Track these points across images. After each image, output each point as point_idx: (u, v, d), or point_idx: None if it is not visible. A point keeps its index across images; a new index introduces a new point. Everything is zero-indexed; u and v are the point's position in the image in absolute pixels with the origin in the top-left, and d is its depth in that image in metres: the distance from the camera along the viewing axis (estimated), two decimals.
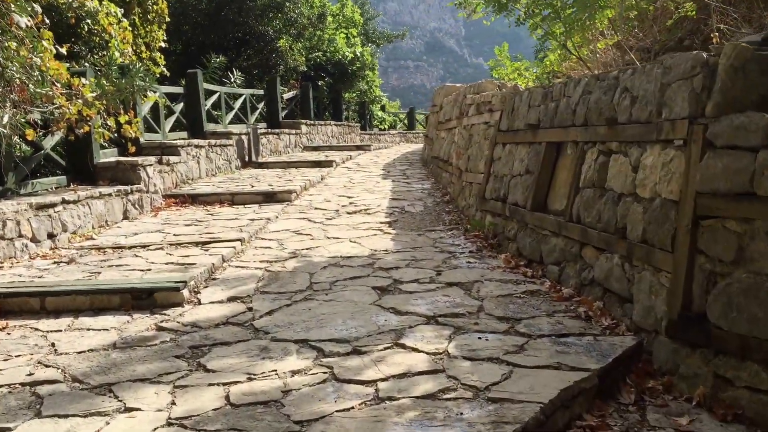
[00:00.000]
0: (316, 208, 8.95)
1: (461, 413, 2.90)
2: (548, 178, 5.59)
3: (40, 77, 6.08)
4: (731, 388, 3.11)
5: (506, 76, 11.70)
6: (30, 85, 5.95)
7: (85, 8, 8.80)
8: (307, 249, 6.42)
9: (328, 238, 6.97)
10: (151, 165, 9.10)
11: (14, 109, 6.02)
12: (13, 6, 5.50)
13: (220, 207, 9.16)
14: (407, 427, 2.79)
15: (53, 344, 4.02)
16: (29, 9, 5.75)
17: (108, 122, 7.17)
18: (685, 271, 3.42)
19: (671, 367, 3.46)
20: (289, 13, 20.96)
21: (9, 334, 4.24)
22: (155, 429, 2.88)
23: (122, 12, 9.06)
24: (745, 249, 3.09)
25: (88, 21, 9.59)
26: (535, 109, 5.99)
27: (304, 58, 21.61)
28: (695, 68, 3.56)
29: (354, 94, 27.02)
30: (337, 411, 2.96)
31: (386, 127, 31.00)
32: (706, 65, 3.51)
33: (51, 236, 6.59)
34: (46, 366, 3.66)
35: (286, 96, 19.45)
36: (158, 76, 10.23)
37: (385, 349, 3.73)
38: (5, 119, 5.84)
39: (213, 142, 12.38)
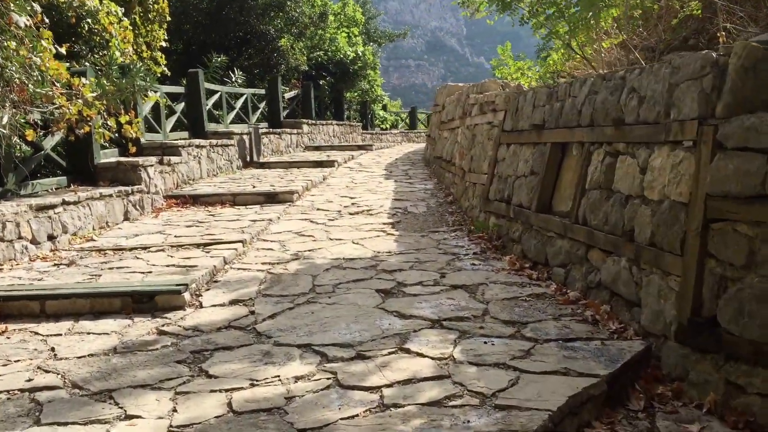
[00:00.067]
0: (318, 209, 8.89)
1: (468, 421, 2.84)
2: (553, 179, 5.53)
3: (39, 77, 6.03)
4: (743, 394, 3.05)
5: (509, 75, 11.64)
6: (30, 85, 5.90)
7: (86, 7, 8.76)
8: (309, 251, 6.37)
9: (331, 239, 6.91)
10: (152, 165, 9.05)
11: (14, 110, 5.97)
12: (12, 5, 5.45)
13: (222, 208, 9.11)
14: None
15: (53, 349, 3.96)
16: (28, 8, 5.69)
17: (108, 122, 7.12)
18: (695, 275, 3.36)
19: (681, 372, 3.40)
20: (290, 12, 20.91)
21: (8, 338, 4.19)
22: None
23: (123, 11, 9.02)
24: (757, 253, 3.03)
25: (89, 20, 9.55)
26: (540, 109, 5.93)
27: (305, 58, 21.55)
28: (705, 68, 3.50)
29: (356, 94, 26.97)
30: (341, 419, 2.90)
31: (388, 126, 30.95)
32: (715, 65, 3.44)
33: (51, 238, 6.53)
34: (46, 371, 3.60)
35: (287, 95, 19.38)
36: (159, 75, 10.22)
37: (390, 354, 3.67)
38: (5, 119, 5.79)
39: (214, 142, 12.32)
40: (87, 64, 9.32)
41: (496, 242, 6.39)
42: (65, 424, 2.97)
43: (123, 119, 7.24)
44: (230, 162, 13.00)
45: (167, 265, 5.70)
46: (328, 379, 3.35)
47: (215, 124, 13.80)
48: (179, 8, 18.28)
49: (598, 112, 4.70)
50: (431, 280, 5.21)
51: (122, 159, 8.71)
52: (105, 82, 6.86)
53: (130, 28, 9.89)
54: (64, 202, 6.83)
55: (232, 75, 17.78)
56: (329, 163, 13.93)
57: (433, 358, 3.57)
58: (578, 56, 8.38)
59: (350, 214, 8.48)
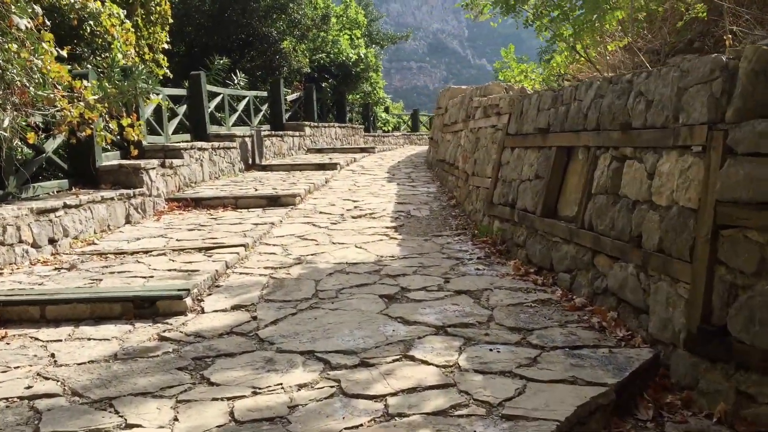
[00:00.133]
0: (320, 212, 8.84)
1: (475, 431, 2.79)
2: (558, 183, 5.48)
3: (41, 79, 5.99)
4: (753, 404, 2.99)
5: (512, 78, 11.58)
6: (31, 88, 5.86)
7: (88, 10, 8.73)
8: (312, 255, 6.32)
9: (334, 243, 6.86)
10: (153, 168, 9.01)
11: (15, 112, 5.93)
12: (13, 7, 5.41)
13: (224, 211, 9.06)
14: None
15: (53, 355, 3.91)
16: (29, 10, 5.66)
17: (110, 125, 7.09)
18: (704, 283, 3.30)
19: (690, 381, 3.34)
20: (292, 15, 20.89)
21: (8, 344, 4.14)
22: None
23: (125, 13, 9.00)
24: None
25: (91, 22, 9.52)
26: (545, 112, 5.88)
27: (307, 60, 21.53)
28: (714, 72, 3.45)
29: (358, 96, 26.94)
30: (345, 429, 2.85)
31: (390, 128, 30.92)
32: (725, 69, 3.39)
33: (52, 241, 6.49)
34: (46, 378, 3.55)
35: (289, 98, 19.35)
36: (161, 78, 10.18)
37: (394, 361, 3.62)
38: (6, 122, 5.75)
39: (216, 144, 12.29)
40: (89, 66, 9.28)
41: (501, 247, 6.34)
42: None
43: (125, 122, 7.20)
44: (232, 165, 12.96)
45: (169, 270, 5.65)
46: (331, 387, 3.30)
47: (217, 126, 13.77)
48: (181, 10, 18.27)
49: (605, 115, 4.65)
50: (435, 285, 5.16)
51: (124, 162, 8.68)
52: (107, 84, 6.82)
53: (132, 30, 9.86)
54: (66, 206, 6.79)
55: (235, 77, 17.75)
56: (331, 166, 13.89)
57: (438, 366, 3.52)
58: (582, 59, 8.33)
59: (353, 217, 8.43)
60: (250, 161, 13.98)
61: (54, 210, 6.59)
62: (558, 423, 2.83)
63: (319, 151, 18.21)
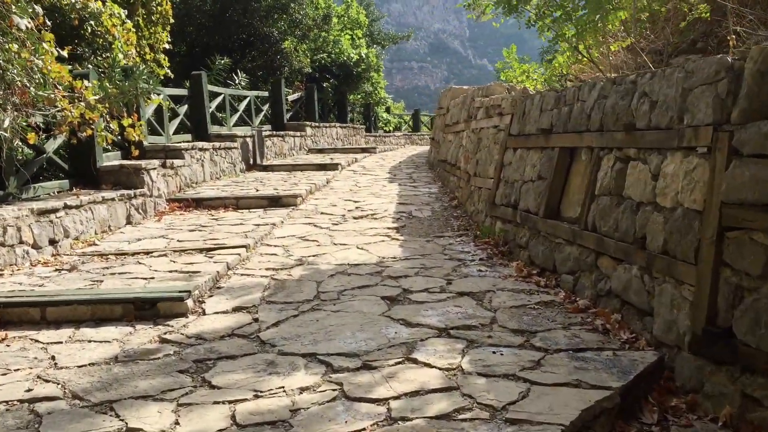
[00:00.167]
0: (322, 213, 8.82)
1: None
2: (561, 184, 5.45)
3: (41, 80, 5.97)
4: (759, 408, 2.96)
5: (514, 78, 11.55)
6: (31, 88, 5.84)
7: (89, 9, 8.72)
8: (313, 256, 6.29)
9: (335, 244, 6.84)
10: (154, 168, 8.99)
11: (15, 113, 5.91)
12: (13, 7, 5.38)
13: (225, 211, 9.04)
14: None
15: (53, 357, 3.89)
16: (30, 10, 5.63)
17: (111, 125, 7.06)
18: (709, 285, 3.27)
19: (695, 384, 3.32)
20: (294, 15, 20.87)
21: (8, 346, 4.12)
22: None
23: (126, 13, 8.98)
24: None
25: (92, 22, 9.50)
26: (548, 113, 5.85)
27: (308, 60, 21.51)
28: (719, 73, 3.42)
29: (359, 96, 26.91)
30: None
31: (391, 129, 30.88)
32: (731, 69, 3.36)
33: (53, 242, 6.47)
34: (46, 381, 3.53)
35: (290, 98, 19.33)
36: (162, 78, 10.15)
37: (397, 363, 3.59)
38: (6, 123, 5.73)
39: (217, 144, 12.26)
40: (89, 66, 9.26)
41: (503, 248, 6.31)
42: None
43: (126, 122, 7.18)
44: (233, 165, 12.94)
45: (170, 271, 5.63)
46: (333, 390, 3.28)
47: (218, 126, 13.74)
48: (182, 10, 18.25)
49: (608, 116, 4.62)
50: (437, 286, 5.13)
51: (125, 162, 8.66)
52: (108, 84, 6.80)
53: (133, 30, 9.85)
54: (66, 206, 6.76)
55: (236, 77, 17.73)
56: (333, 166, 13.86)
57: (440, 369, 3.49)
58: (584, 59, 8.30)
59: (354, 218, 8.41)
60: (251, 161, 13.96)
61: (55, 211, 6.56)
62: (563, 427, 2.80)
63: (321, 151, 18.18)
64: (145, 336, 4.22)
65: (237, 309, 4.71)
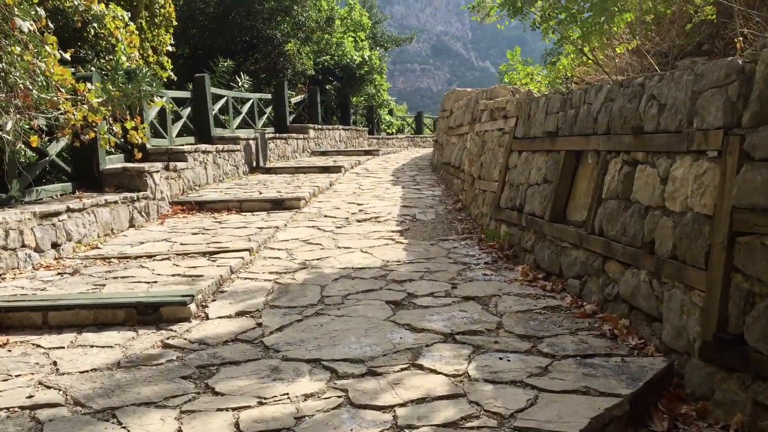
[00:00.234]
0: (325, 216, 8.78)
1: None
2: (567, 187, 5.40)
3: (44, 82, 5.94)
4: None
5: (518, 80, 11.51)
6: (34, 91, 5.80)
7: (92, 12, 8.69)
8: (317, 259, 6.25)
9: (339, 247, 6.80)
10: (157, 171, 8.96)
11: (18, 115, 5.88)
12: (16, 10, 5.35)
13: (228, 214, 9.00)
14: None
15: (55, 363, 3.85)
16: (32, 13, 5.60)
17: (114, 128, 7.03)
18: (720, 291, 3.23)
19: (705, 391, 3.27)
20: (297, 17, 20.84)
21: (10, 351, 4.08)
22: None
23: (129, 16, 8.94)
24: None
25: (95, 25, 9.48)
26: (553, 116, 5.80)
27: (311, 62, 21.48)
28: (730, 75, 3.37)
29: (362, 98, 26.87)
30: None
31: (394, 131, 30.84)
32: (741, 72, 3.32)
33: (55, 246, 6.43)
34: (47, 387, 3.49)
35: (293, 100, 19.31)
36: (165, 80, 10.10)
37: (402, 370, 3.55)
38: (9, 125, 5.70)
39: (220, 147, 12.23)
40: (92, 69, 9.25)
41: (508, 252, 6.26)
42: None
43: (129, 125, 7.14)
44: (236, 167, 12.91)
45: (173, 275, 5.59)
46: (338, 397, 3.23)
47: (221, 129, 13.72)
48: (186, 13, 18.24)
49: (615, 119, 4.58)
50: (442, 291, 5.08)
51: (128, 165, 8.62)
52: (111, 87, 6.76)
53: (137, 32, 9.80)
54: (69, 209, 6.73)
55: (239, 80, 17.70)
56: (336, 169, 13.83)
57: (447, 375, 3.45)
58: (589, 61, 8.25)
59: (358, 221, 8.37)
60: (254, 164, 13.93)
61: (57, 214, 6.53)
62: None
63: (323, 153, 18.15)
64: (147, 341, 4.18)
65: (240, 313, 4.67)
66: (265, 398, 3.24)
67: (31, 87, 5.77)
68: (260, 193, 10.26)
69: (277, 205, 9.41)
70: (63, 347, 4.11)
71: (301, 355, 3.82)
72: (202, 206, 9.35)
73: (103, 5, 8.50)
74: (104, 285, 5.33)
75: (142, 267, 5.96)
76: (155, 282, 5.37)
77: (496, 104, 7.92)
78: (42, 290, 5.21)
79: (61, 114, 6.15)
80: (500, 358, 3.66)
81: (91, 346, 4.11)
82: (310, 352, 3.86)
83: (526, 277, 5.40)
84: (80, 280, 5.56)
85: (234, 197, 9.77)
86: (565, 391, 3.20)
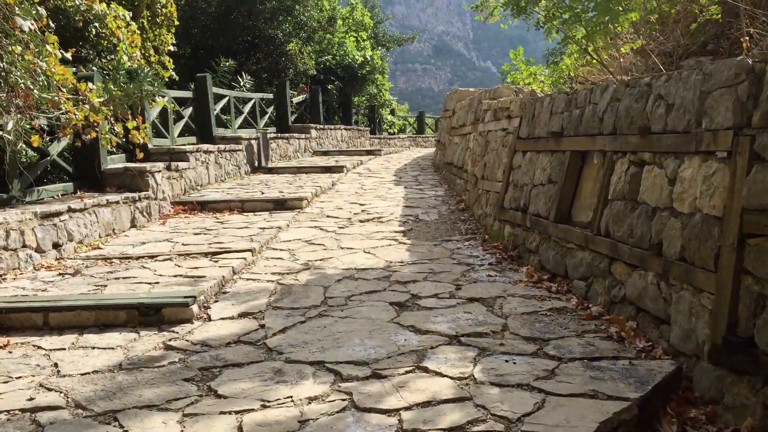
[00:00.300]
0: (327, 216, 8.74)
1: None
2: (573, 188, 5.36)
3: (45, 82, 5.90)
4: None
5: (521, 80, 11.46)
6: (35, 90, 5.76)
7: (93, 11, 8.65)
8: (320, 260, 6.21)
9: (342, 248, 6.75)
10: (159, 171, 8.92)
11: (19, 115, 5.85)
12: (17, 9, 5.31)
13: (230, 214, 8.96)
14: None
15: (56, 364, 3.81)
16: (34, 12, 5.56)
17: (116, 128, 6.99)
18: (730, 293, 3.18)
19: (715, 395, 3.22)
20: (299, 17, 20.80)
21: (10, 352, 4.04)
22: None
23: (131, 15, 8.90)
24: None
25: (96, 24, 9.45)
26: (558, 116, 5.76)
27: (313, 62, 21.44)
28: (740, 75, 3.33)
29: (363, 98, 26.83)
30: None
31: (396, 131, 30.81)
32: (751, 72, 3.27)
33: (56, 246, 6.39)
34: (48, 389, 3.45)
35: (295, 100, 19.27)
36: (167, 80, 10.07)
37: (407, 372, 3.50)
38: (10, 125, 5.66)
39: (222, 147, 12.19)
40: (94, 68, 9.21)
41: (512, 252, 6.22)
42: None
43: (130, 125, 7.10)
44: (238, 167, 12.87)
45: (174, 276, 5.55)
46: (343, 400, 3.19)
47: (223, 128, 13.68)
48: (187, 12, 18.20)
49: (622, 119, 4.53)
50: (446, 292, 5.04)
51: (129, 165, 8.59)
52: (112, 87, 6.73)
53: (138, 32, 9.77)
54: (70, 210, 6.69)
55: (240, 79, 17.66)
56: (338, 169, 13.79)
57: (452, 378, 3.41)
58: (594, 61, 8.20)
59: (360, 221, 8.32)
60: (256, 164, 13.89)
61: (58, 214, 6.49)
62: None
63: (325, 153, 18.12)
64: (149, 342, 4.14)
65: (243, 315, 4.63)
66: (268, 401, 3.20)
67: (32, 87, 5.73)
68: (262, 193, 10.22)
69: (280, 205, 9.37)
70: (64, 349, 4.08)
71: (304, 357, 3.78)
72: (204, 206, 9.31)
73: (104, 5, 8.46)
74: (106, 286, 5.29)
75: (144, 267, 5.92)
76: (157, 283, 5.33)
77: (499, 104, 7.87)
78: (43, 291, 5.17)
79: (63, 114, 6.11)
80: (506, 361, 3.62)
81: (93, 348, 4.08)
82: (314, 354, 3.82)
83: (530, 279, 5.36)
84: (81, 280, 5.52)
85: (236, 197, 9.74)
86: (572, 395, 3.15)
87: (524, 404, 3.07)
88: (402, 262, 6.07)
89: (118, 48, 9.59)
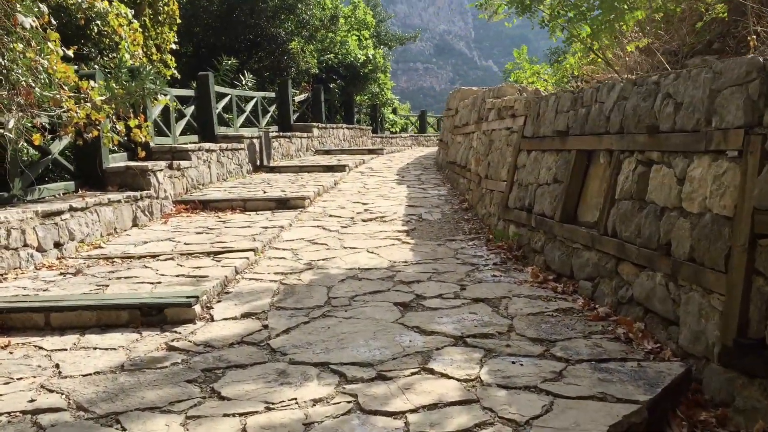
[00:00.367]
0: (330, 215, 8.69)
1: None
2: (579, 187, 5.31)
3: (47, 80, 5.86)
4: None
5: (525, 79, 11.41)
6: (36, 88, 5.72)
7: (95, 9, 8.61)
8: (323, 260, 6.16)
9: (345, 247, 6.71)
10: (161, 170, 8.88)
11: (20, 113, 5.80)
12: (18, 6, 5.27)
13: (232, 213, 8.92)
14: None
15: (57, 365, 3.77)
16: (35, 9, 5.52)
17: (117, 126, 6.95)
18: (740, 294, 3.13)
19: (725, 397, 3.17)
20: (301, 15, 20.76)
21: (11, 353, 4.00)
22: None
23: (133, 13, 8.87)
24: None
25: (98, 22, 9.40)
26: (564, 114, 5.71)
27: (315, 61, 21.40)
28: (750, 73, 3.28)
29: (365, 97, 26.79)
30: None
31: (398, 130, 30.76)
32: (762, 70, 3.22)
33: (57, 245, 6.35)
34: (50, 391, 3.41)
35: (297, 99, 19.22)
36: (169, 78, 10.06)
37: (413, 374, 3.46)
38: (11, 123, 5.62)
39: (224, 146, 12.14)
40: (96, 66, 9.16)
41: (517, 252, 6.17)
42: None
43: (132, 123, 7.06)
44: (240, 166, 12.83)
45: (177, 275, 5.50)
46: (348, 402, 3.14)
47: (225, 127, 13.63)
48: (189, 11, 18.16)
49: (629, 118, 4.48)
50: (451, 292, 5.00)
51: (131, 163, 8.55)
52: (114, 85, 6.69)
53: (140, 30, 9.74)
54: (72, 208, 6.65)
55: (242, 78, 17.62)
56: (340, 168, 13.74)
57: (459, 380, 3.36)
58: (598, 59, 8.16)
59: (363, 221, 8.28)
60: (258, 163, 13.84)
61: (60, 213, 6.45)
62: None
63: (327, 152, 18.07)
64: (152, 343, 4.10)
65: (246, 315, 4.59)
66: (272, 403, 3.16)
67: (33, 84, 5.69)
68: (264, 192, 10.17)
69: (282, 204, 9.33)
70: (65, 349, 4.03)
71: (308, 358, 3.73)
72: (205, 205, 9.27)
73: (106, 2, 8.43)
74: (107, 285, 5.25)
75: (146, 267, 5.88)
76: (159, 282, 5.29)
77: (503, 103, 7.82)
78: (44, 291, 5.13)
79: (64, 112, 6.07)
80: (513, 363, 3.58)
81: (94, 349, 4.03)
82: (318, 355, 3.77)
83: (536, 279, 5.31)
84: (83, 280, 5.48)
85: (238, 196, 9.69)
86: (581, 397, 3.11)
87: (532, 407, 3.02)
88: (406, 262, 6.03)
89: (120, 46, 9.56)
